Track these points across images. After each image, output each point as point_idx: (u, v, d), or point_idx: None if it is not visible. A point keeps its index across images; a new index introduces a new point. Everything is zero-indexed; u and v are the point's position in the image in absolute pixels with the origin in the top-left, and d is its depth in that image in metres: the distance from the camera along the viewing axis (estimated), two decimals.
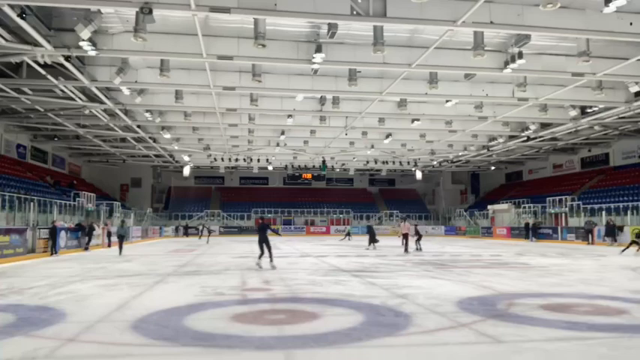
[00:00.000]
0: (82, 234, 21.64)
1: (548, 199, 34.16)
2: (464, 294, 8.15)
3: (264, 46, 14.10)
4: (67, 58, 15.60)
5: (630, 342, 5.09)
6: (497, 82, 20.66)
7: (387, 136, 30.04)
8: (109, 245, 23.22)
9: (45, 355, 4.62)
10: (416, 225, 23.95)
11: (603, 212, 27.21)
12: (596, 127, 28.54)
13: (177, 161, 42.17)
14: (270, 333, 5.47)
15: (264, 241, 12.48)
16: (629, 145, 33.77)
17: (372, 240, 22.31)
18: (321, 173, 47.23)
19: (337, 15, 13.02)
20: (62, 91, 20.02)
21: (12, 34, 14.33)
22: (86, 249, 21.43)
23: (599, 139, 33.58)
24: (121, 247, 18.99)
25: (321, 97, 22.59)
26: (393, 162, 41.43)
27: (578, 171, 39.34)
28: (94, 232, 22.55)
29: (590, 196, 32.75)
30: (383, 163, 41.98)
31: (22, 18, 12.56)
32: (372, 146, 33.93)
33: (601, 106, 23.08)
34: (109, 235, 23.60)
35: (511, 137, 31.37)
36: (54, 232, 18.10)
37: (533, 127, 28.04)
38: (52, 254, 17.87)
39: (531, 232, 31.86)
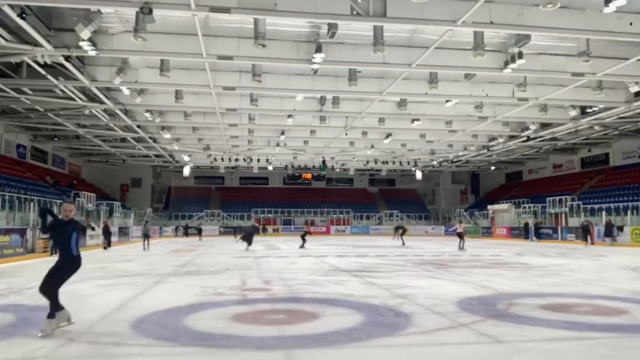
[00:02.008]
0: (82, 234, 21.71)
1: (548, 199, 34.14)
2: (464, 294, 8.14)
3: (264, 46, 14.10)
4: (67, 58, 15.59)
5: (630, 342, 5.08)
6: (497, 82, 20.65)
7: (387, 136, 30.03)
8: (110, 245, 23.38)
9: (45, 355, 4.62)
10: (401, 221, 26.24)
11: (603, 212, 27.19)
12: (596, 127, 28.53)
13: (177, 161, 42.16)
14: (270, 333, 5.47)
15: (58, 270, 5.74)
16: (629, 145, 33.77)
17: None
18: (321, 173, 47.22)
19: (337, 15, 13.02)
20: (62, 91, 20.02)
21: (12, 34, 14.32)
22: (105, 248, 22.41)
23: (599, 139, 33.57)
24: (146, 244, 22.48)
25: (321, 97, 22.58)
26: (393, 162, 41.41)
27: (578, 171, 39.33)
28: (95, 232, 22.77)
29: (590, 196, 32.74)
30: (383, 163, 41.95)
31: (22, 18, 12.55)
32: (372, 146, 33.92)
33: (601, 106, 23.07)
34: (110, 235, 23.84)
35: (511, 137, 31.36)
36: None
37: (533, 127, 28.04)
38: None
39: (532, 231, 31.85)
